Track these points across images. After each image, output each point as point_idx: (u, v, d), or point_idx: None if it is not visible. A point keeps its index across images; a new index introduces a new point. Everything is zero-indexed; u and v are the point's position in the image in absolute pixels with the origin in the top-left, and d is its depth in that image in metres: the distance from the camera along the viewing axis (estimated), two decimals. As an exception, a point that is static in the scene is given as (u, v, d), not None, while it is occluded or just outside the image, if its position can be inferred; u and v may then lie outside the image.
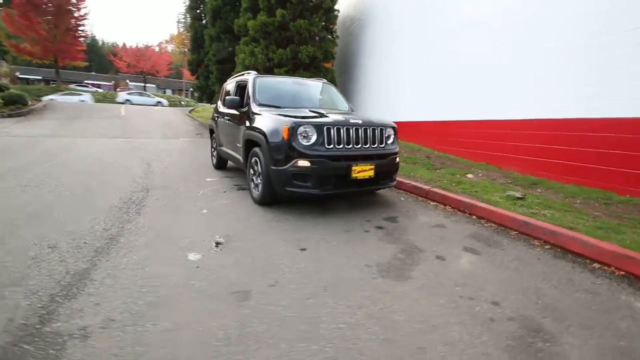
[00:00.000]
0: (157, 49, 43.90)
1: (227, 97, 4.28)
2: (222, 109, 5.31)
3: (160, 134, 11.59)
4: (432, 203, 3.98)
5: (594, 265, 2.36)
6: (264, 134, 3.36)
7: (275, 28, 11.63)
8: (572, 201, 3.84)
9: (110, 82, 39.29)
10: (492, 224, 3.21)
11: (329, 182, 3.21)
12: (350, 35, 13.72)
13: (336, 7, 12.40)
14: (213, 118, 5.81)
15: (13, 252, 2.25)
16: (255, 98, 4.07)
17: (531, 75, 5.07)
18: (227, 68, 14.96)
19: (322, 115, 3.48)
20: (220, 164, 5.67)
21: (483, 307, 1.80)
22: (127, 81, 38.31)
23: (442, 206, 3.85)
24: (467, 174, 5.42)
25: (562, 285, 2.08)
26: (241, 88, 4.89)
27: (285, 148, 3.17)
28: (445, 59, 7.06)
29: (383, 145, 3.58)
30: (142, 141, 9.24)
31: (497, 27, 5.72)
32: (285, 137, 3.17)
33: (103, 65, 44.46)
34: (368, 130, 3.44)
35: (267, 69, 11.85)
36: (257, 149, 3.58)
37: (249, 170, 3.84)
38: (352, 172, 3.25)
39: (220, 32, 14.34)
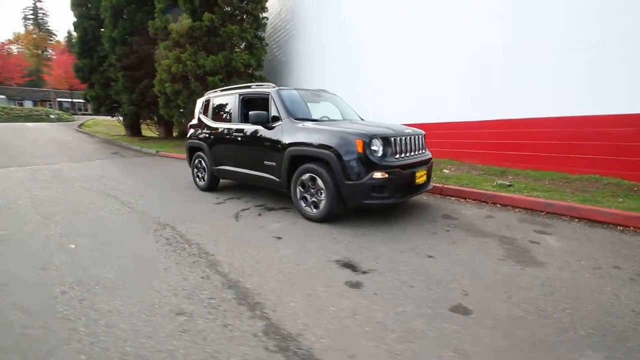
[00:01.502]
0: (-2, 50, 34.62)
1: (251, 113, 3.92)
2: (217, 124, 4.79)
3: (64, 156, 9.46)
4: (452, 198, 4.52)
5: (618, 227, 3.20)
6: (331, 149, 3.27)
7: (203, 33, 10.79)
8: (542, 183, 4.92)
9: None
10: (519, 209, 3.90)
11: (399, 190, 3.37)
12: (276, 44, 13.72)
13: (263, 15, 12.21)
14: (197, 137, 5.16)
15: (153, 338, 1.71)
16: (289, 112, 3.87)
17: (491, 84, 6.19)
18: (138, 75, 13.08)
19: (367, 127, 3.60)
20: (212, 185, 5.09)
21: (615, 272, 2.30)
22: (-41, 92, 28.92)
23: (462, 200, 4.43)
24: (442, 169, 6.26)
25: (625, 245, 2.78)
26: (247, 102, 4.55)
27: (361, 162, 3.18)
28: (391, 70, 7.90)
29: (424, 151, 3.92)
30: (52, 168, 7.44)
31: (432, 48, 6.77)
32: (360, 150, 3.18)
33: None
34: (415, 138, 3.73)
35: (197, 77, 10.92)
36: (313, 165, 3.46)
37: (297, 188, 3.65)
38: (416, 178, 3.49)
39: (126, 34, 12.41)
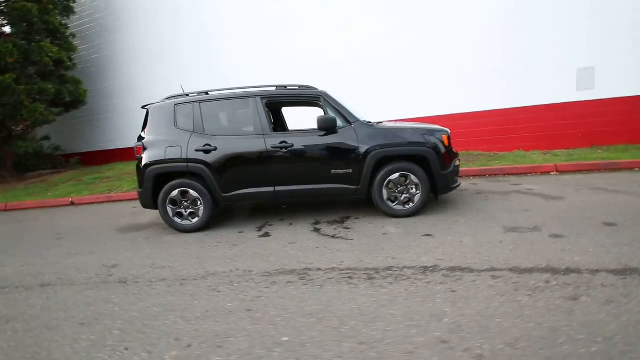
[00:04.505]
0: None
1: (319, 118, 3.36)
2: (228, 138, 3.64)
3: None
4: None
5: (530, 174, 5.43)
6: (428, 145, 3.58)
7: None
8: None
9: None
10: (473, 176, 5.59)
11: (455, 176, 4.13)
12: (80, 37, 10.19)
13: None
14: (177, 159, 3.63)
15: None
16: (353, 115, 3.67)
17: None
18: None
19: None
20: (210, 219, 3.80)
21: (595, 190, 4.15)
22: None
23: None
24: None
25: (561, 180, 4.88)
26: (272, 106, 3.80)
27: (449, 153, 3.71)
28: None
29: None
30: None
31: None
32: (447, 143, 3.69)
33: None
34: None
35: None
36: (404, 164, 3.60)
37: (383, 191, 3.62)
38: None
39: None
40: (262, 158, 3.62)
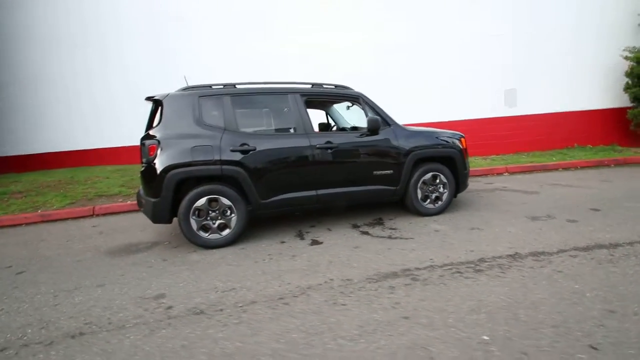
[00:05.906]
0: None
1: (370, 118, 3.29)
2: (269, 138, 3.24)
3: None
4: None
5: (507, 174, 6.37)
6: (454, 146, 3.89)
7: None
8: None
9: None
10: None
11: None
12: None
13: None
14: (203, 161, 3.05)
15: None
16: (391, 117, 3.72)
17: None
18: None
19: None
20: (242, 231, 3.34)
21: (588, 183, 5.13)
22: None
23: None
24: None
25: (531, 178, 5.85)
26: (308, 105, 3.58)
27: (467, 154, 4.08)
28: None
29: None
30: None
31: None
32: (465, 146, 4.06)
33: None
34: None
35: None
36: (436, 164, 3.85)
37: (417, 190, 3.78)
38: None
39: None
40: (306, 159, 3.35)
